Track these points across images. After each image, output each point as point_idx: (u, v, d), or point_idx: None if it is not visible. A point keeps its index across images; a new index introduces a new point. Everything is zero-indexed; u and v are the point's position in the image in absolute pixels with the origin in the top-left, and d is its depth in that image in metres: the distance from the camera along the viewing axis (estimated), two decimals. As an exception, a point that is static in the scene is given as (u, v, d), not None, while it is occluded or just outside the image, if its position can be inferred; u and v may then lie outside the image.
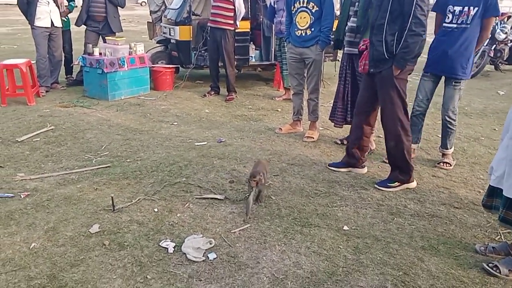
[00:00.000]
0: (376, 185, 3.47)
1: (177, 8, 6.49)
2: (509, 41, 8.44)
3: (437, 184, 3.59)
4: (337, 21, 4.32)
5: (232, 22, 5.90)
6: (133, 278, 2.29)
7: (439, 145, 4.08)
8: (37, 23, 5.70)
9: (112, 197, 2.96)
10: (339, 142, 4.45)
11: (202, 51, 6.55)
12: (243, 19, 6.22)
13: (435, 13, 3.84)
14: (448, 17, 3.65)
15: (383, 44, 3.21)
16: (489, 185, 2.53)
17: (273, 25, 6.13)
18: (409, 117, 3.48)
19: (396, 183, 3.43)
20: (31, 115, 4.96)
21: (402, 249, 2.63)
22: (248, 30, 6.74)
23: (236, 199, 3.14)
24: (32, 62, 5.80)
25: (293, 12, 4.36)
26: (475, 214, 3.11)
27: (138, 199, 3.10)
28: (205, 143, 4.33)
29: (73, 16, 6.34)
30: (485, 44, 7.47)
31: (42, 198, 3.09)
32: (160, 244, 2.58)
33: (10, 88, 5.56)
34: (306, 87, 4.63)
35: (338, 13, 5.13)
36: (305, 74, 4.54)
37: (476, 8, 3.52)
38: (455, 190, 3.49)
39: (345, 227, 2.85)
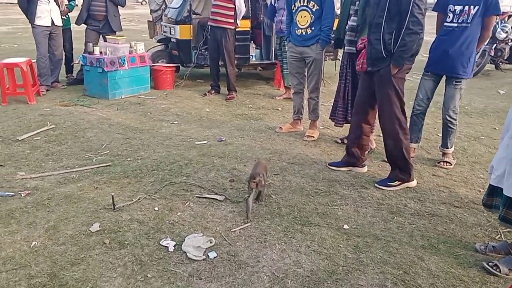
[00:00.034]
0: (376, 184, 3.47)
1: (178, 7, 6.49)
2: (509, 40, 8.42)
3: (438, 183, 3.59)
4: (337, 20, 4.32)
5: (232, 21, 5.89)
6: (133, 276, 2.29)
7: (440, 144, 4.08)
8: (38, 22, 5.70)
9: (112, 196, 2.96)
10: (339, 141, 4.45)
11: (203, 50, 6.55)
12: (244, 18, 6.22)
13: (435, 12, 3.84)
14: (449, 17, 3.65)
15: (381, 42, 3.21)
16: (490, 184, 2.53)
17: (274, 24, 6.12)
18: (410, 116, 3.48)
19: (397, 182, 3.43)
20: (31, 114, 4.96)
21: (402, 248, 2.64)
22: (249, 29, 6.72)
23: (236, 200, 3.13)
24: (33, 61, 5.79)
25: (293, 11, 4.35)
26: (475, 213, 3.11)
27: (139, 198, 3.10)
28: (206, 142, 4.33)
29: (74, 15, 6.35)
30: (485, 43, 7.46)
31: (43, 197, 3.09)
32: (160, 243, 2.58)
33: (11, 87, 5.56)
34: (306, 86, 4.63)
35: (338, 12, 5.13)
36: (306, 73, 4.54)
37: (477, 7, 3.51)
38: (455, 189, 3.49)
39: (345, 226, 2.85)
